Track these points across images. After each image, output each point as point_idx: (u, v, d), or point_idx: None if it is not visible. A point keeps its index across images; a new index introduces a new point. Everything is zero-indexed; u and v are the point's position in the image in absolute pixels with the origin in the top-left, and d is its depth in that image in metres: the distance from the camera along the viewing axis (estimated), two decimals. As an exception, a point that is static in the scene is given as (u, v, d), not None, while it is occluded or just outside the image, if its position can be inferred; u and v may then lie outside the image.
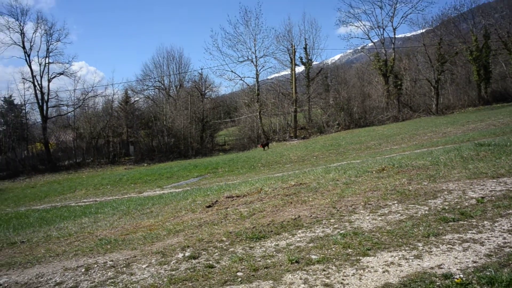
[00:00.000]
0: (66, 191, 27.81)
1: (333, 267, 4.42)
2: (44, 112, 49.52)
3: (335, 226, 5.91)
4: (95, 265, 5.63)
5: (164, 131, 49.51)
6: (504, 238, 4.61)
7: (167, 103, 54.17)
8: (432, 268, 4.10)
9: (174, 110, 50.61)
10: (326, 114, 48.77)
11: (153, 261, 5.49)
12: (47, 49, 50.51)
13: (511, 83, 50.48)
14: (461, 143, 15.78)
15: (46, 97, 50.09)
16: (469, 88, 50.12)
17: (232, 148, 48.99)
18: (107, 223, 9.42)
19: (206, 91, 58.37)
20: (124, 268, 5.35)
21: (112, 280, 4.97)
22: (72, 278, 5.21)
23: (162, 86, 62.32)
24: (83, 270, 5.49)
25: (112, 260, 5.78)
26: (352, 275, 4.17)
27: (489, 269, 3.83)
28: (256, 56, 50.62)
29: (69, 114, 53.16)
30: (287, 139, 45.47)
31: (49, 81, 50.68)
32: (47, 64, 50.46)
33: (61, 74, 51.64)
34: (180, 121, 49.00)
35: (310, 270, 4.42)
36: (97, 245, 7.00)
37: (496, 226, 5.03)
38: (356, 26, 66.42)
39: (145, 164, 43.39)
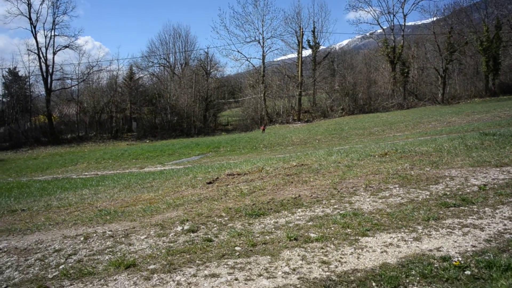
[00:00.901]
0: (67, 163, 27.92)
1: (332, 246, 4.42)
2: (48, 85, 49.35)
3: (335, 206, 5.90)
4: (94, 234, 5.66)
5: (167, 109, 49.41)
6: (505, 225, 4.59)
7: (171, 81, 53.86)
8: (430, 250, 4.09)
9: (178, 88, 50.38)
10: (330, 99, 48.49)
11: (151, 233, 5.51)
12: (53, 21, 50.07)
13: (519, 75, 49.97)
14: (465, 133, 15.67)
15: (50, 70, 49.86)
16: (477, 79, 49.59)
17: (235, 128, 48.92)
18: (107, 195, 9.45)
19: (211, 70, 58.04)
20: (123, 239, 5.37)
21: (110, 249, 5.00)
22: (71, 246, 5.24)
23: (167, 64, 61.91)
24: (82, 238, 5.51)
25: (111, 230, 5.81)
26: (350, 254, 4.17)
27: (488, 254, 3.82)
28: (263, 37, 50.14)
29: (73, 87, 53.03)
30: (291, 121, 45.32)
31: (54, 53, 50.38)
32: (52, 37, 50.09)
33: (66, 47, 51.28)
34: (184, 100, 48.85)
35: (308, 248, 4.43)
36: (96, 215, 7.02)
37: (497, 213, 5.01)
38: (366, 11, 65.74)
39: (147, 141, 43.45)
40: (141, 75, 58.85)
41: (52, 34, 50.02)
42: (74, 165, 27.02)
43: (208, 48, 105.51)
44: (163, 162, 23.44)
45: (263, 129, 38.12)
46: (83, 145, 43.72)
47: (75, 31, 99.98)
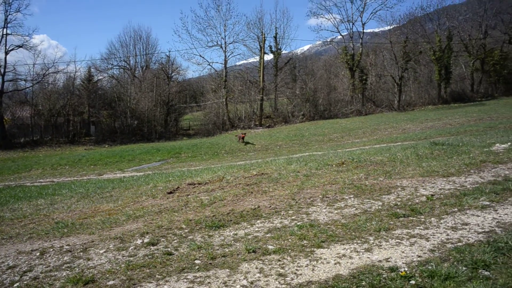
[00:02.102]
0: (21, 169, 26.84)
1: (288, 258, 4.59)
2: (0, 86, 47.26)
3: (293, 217, 6.10)
4: (51, 249, 5.57)
5: (127, 113, 48.44)
6: (448, 235, 4.93)
7: (132, 84, 52.88)
8: (380, 261, 4.34)
9: (139, 92, 49.54)
10: (292, 104, 49.20)
11: (111, 246, 5.49)
12: (5, 19, 47.88)
13: (469, 84, 52.70)
14: (418, 141, 16.42)
15: (2, 70, 47.71)
16: (430, 87, 51.88)
17: (196, 133, 48.65)
18: (65, 205, 9.25)
19: (172, 74, 57.44)
20: (81, 253, 5.33)
21: (68, 264, 4.95)
22: (26, 262, 5.14)
23: (128, 66, 60.76)
24: (38, 254, 5.42)
25: (68, 245, 5.74)
26: (305, 266, 4.36)
27: (431, 263, 4.11)
28: (225, 42, 50.24)
29: (27, 89, 50.90)
30: (252, 127, 45.61)
31: (6, 53, 48.18)
32: (4, 36, 47.92)
33: (20, 47, 49.16)
34: (145, 103, 48.08)
35: (266, 260, 4.58)
36: (53, 228, 6.89)
37: (441, 223, 5.36)
38: (326, 19, 67.30)
39: (107, 146, 42.43)
40: (100, 78, 57.42)
41: (4, 32, 47.90)
42: (28, 171, 26.02)
43: (169, 51, 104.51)
44: (123, 169, 23.02)
45: (243, 138, 29.12)
46: (38, 149, 42.08)
47: (29, 30, 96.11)
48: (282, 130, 39.05)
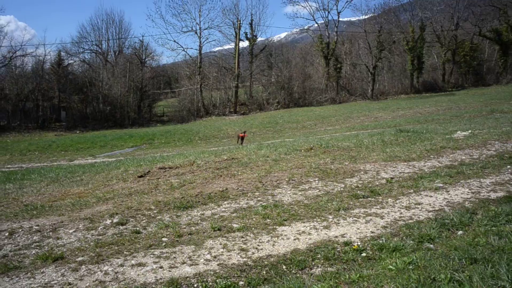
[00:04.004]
0: (-12, 155, 26.20)
1: (251, 235, 4.85)
2: (-36, 69, 45.59)
3: (258, 198, 6.37)
4: (20, 230, 5.66)
5: (99, 98, 47.52)
6: (401, 213, 5.29)
7: (104, 68, 51.79)
8: (336, 237, 4.65)
9: (111, 77, 48.61)
10: (267, 92, 49.41)
11: (80, 226, 5.63)
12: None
13: (440, 74, 54.02)
14: (387, 128, 16.94)
15: (-35, 52, 45.97)
16: (403, 77, 52.95)
17: (170, 119, 48.29)
18: (34, 189, 9.24)
19: (146, 59, 56.56)
20: (51, 233, 5.44)
21: (37, 243, 5.07)
22: (-5, 242, 5.22)
23: (100, 51, 59.36)
24: (6, 234, 5.50)
25: (38, 225, 5.83)
26: (267, 242, 4.63)
27: (382, 238, 4.44)
28: (200, 28, 49.82)
29: (-7, 72, 49.21)
30: (227, 114, 45.67)
31: (-31, 34, 46.44)
32: (-32, 16, 46.11)
33: (-16, 28, 47.45)
34: (117, 89, 47.26)
35: (230, 237, 4.83)
36: (22, 210, 6.94)
37: (397, 203, 5.72)
38: (302, 6, 67.58)
39: (78, 132, 41.68)
40: (71, 62, 55.89)
41: (-33, 13, 46.00)
42: (-5, 157, 25.44)
43: (143, 36, 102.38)
44: (95, 154, 22.82)
45: (242, 138, 19.97)
46: (5, 135, 40.87)
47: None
48: (257, 118, 39.28)
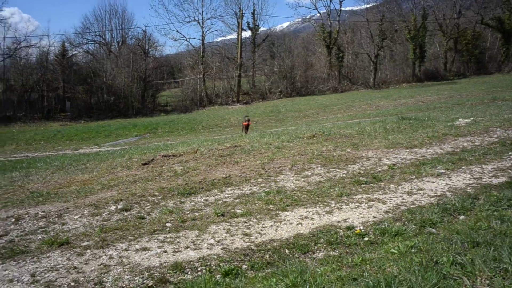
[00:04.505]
0: (-7, 145, 26.32)
1: (254, 220, 4.90)
2: (-32, 59, 45.57)
3: (261, 185, 6.40)
4: (26, 216, 5.73)
5: (103, 88, 47.51)
6: (403, 199, 5.32)
7: (107, 59, 51.68)
8: (338, 221, 4.69)
9: (115, 67, 48.53)
10: (269, 81, 49.27)
11: (85, 212, 5.68)
12: (-29, -10, 45.90)
13: (442, 63, 53.69)
14: (389, 116, 16.90)
15: (-30, 43, 45.97)
16: (405, 66, 52.63)
17: (174, 109, 48.26)
18: (40, 177, 9.30)
19: (149, 49, 56.41)
20: (56, 219, 5.51)
21: (43, 229, 5.13)
22: (2, 227, 5.29)
23: (103, 41, 59.20)
24: (13, 220, 5.57)
25: (43, 211, 5.89)
26: (270, 227, 4.67)
27: (384, 223, 4.47)
28: (203, 18, 49.55)
29: (-2, 63, 49.19)
30: (230, 103, 45.62)
31: (-27, 25, 46.36)
32: (-29, 7, 46.00)
33: (-12, 19, 47.31)
34: (121, 79, 47.23)
35: (233, 222, 4.87)
36: (28, 197, 7.00)
37: (399, 189, 5.75)
38: (304, -5, 66.52)
39: (83, 121, 41.76)
40: (75, 53, 55.83)
41: (-30, 4, 45.90)
42: (1, 147, 25.53)
43: (146, 26, 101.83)
44: (99, 144, 22.90)
45: (247, 127, 17.97)
46: (11, 125, 41.01)
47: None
48: (259, 107, 39.23)
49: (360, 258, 3.53)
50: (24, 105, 45.74)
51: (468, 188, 5.54)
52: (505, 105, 16.22)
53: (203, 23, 49.51)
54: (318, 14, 55.34)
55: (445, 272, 2.92)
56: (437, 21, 52.38)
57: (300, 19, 63.13)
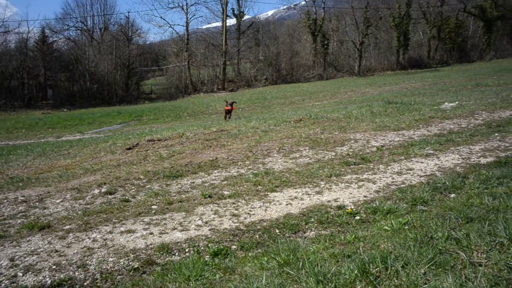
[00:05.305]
0: (-28, 133, 25.61)
1: (243, 201, 4.78)
2: None
3: (249, 167, 6.28)
4: (5, 200, 5.50)
5: (86, 76, 46.54)
6: (393, 178, 5.26)
7: (90, 46, 50.56)
8: (329, 201, 4.60)
9: (97, 54, 47.55)
10: (254, 69, 48.92)
11: (67, 196, 5.49)
12: None
13: (426, 51, 54.00)
14: (374, 102, 16.89)
15: None
16: (389, 53, 52.77)
17: (159, 97, 47.62)
18: (20, 163, 9.02)
19: (133, 36, 55.48)
20: (37, 203, 5.30)
21: (23, 213, 4.94)
22: (-21, 213, 5.07)
23: (85, 28, 57.97)
24: (-9, 205, 5.35)
25: (24, 196, 5.68)
26: (259, 207, 4.56)
27: (375, 202, 4.40)
28: (187, 4, 48.86)
29: (-26, 50, 47.76)
30: (215, 90, 45.21)
31: None
32: None
33: (-36, 4, 45.80)
34: (104, 66, 46.32)
35: (221, 203, 4.75)
36: (7, 183, 6.75)
37: (388, 169, 5.69)
38: (289, -19, 66.05)
39: (65, 110, 40.89)
40: (56, 39, 54.54)
41: None
42: (-21, 135, 24.88)
43: (129, 12, 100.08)
44: (83, 131, 22.43)
45: (229, 111, 15.73)
46: (-10, 114, 40.04)
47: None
48: (245, 94, 38.95)
49: (353, 236, 3.45)
50: (4, 93, 44.53)
51: (457, 168, 5.51)
52: (488, 90, 16.34)
53: (187, 9, 48.83)
54: (304, 2, 54.97)
55: (440, 247, 2.84)
56: (421, 9, 52.49)
57: (285, 7, 62.82)
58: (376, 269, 2.59)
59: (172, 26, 52.26)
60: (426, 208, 4.10)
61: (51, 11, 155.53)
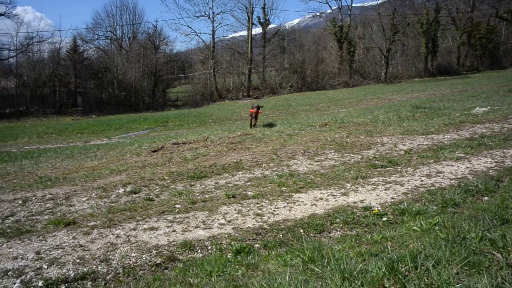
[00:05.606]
0: (6, 138, 26.47)
1: (266, 201, 4.71)
2: (-19, 55, 45.97)
3: (273, 169, 6.21)
4: (33, 198, 5.62)
5: (114, 83, 47.62)
6: (422, 181, 5.09)
7: (118, 54, 51.77)
8: (355, 202, 4.48)
9: (126, 62, 48.61)
10: (279, 76, 48.91)
11: (93, 195, 5.56)
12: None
13: (455, 58, 52.77)
14: (402, 107, 16.57)
15: (-17, 39, 46.31)
16: (417, 60, 51.82)
17: (184, 104, 48.18)
18: (49, 164, 9.23)
19: (160, 44, 56.44)
20: (64, 201, 5.39)
21: (50, 210, 5.02)
22: (9, 209, 5.19)
23: (114, 37, 59.35)
24: (20, 202, 5.47)
25: (51, 194, 5.79)
26: (283, 207, 4.48)
27: (404, 203, 4.26)
28: (213, 12, 49.30)
29: (11, 59, 49.57)
30: (240, 98, 45.39)
31: (-13, 21, 46.75)
32: (-16, 4, 46.25)
33: (1, 15, 47.61)
34: (132, 74, 47.31)
35: (244, 203, 4.69)
36: (36, 182, 6.91)
37: (417, 172, 5.52)
38: (315, -11, 66.05)
39: (94, 116, 41.89)
40: (86, 48, 56.06)
41: (-16, 1, 46.15)
42: (14, 140, 25.68)
43: (156, 21, 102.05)
44: (110, 136, 22.88)
45: (256, 116, 13.80)
46: (24, 120, 41.30)
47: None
48: (270, 101, 38.93)
49: (380, 236, 3.33)
50: (36, 100, 46.11)
51: (490, 171, 5.29)
52: (522, 96, 15.79)
53: (213, 18, 49.30)
54: (329, 10, 54.75)
55: (474, 248, 2.70)
56: (450, 14, 51.45)
57: (310, 15, 62.65)
58: (405, 268, 2.47)
59: (199, 35, 52.96)
60: (457, 210, 3.94)
61: (82, 21, 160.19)
